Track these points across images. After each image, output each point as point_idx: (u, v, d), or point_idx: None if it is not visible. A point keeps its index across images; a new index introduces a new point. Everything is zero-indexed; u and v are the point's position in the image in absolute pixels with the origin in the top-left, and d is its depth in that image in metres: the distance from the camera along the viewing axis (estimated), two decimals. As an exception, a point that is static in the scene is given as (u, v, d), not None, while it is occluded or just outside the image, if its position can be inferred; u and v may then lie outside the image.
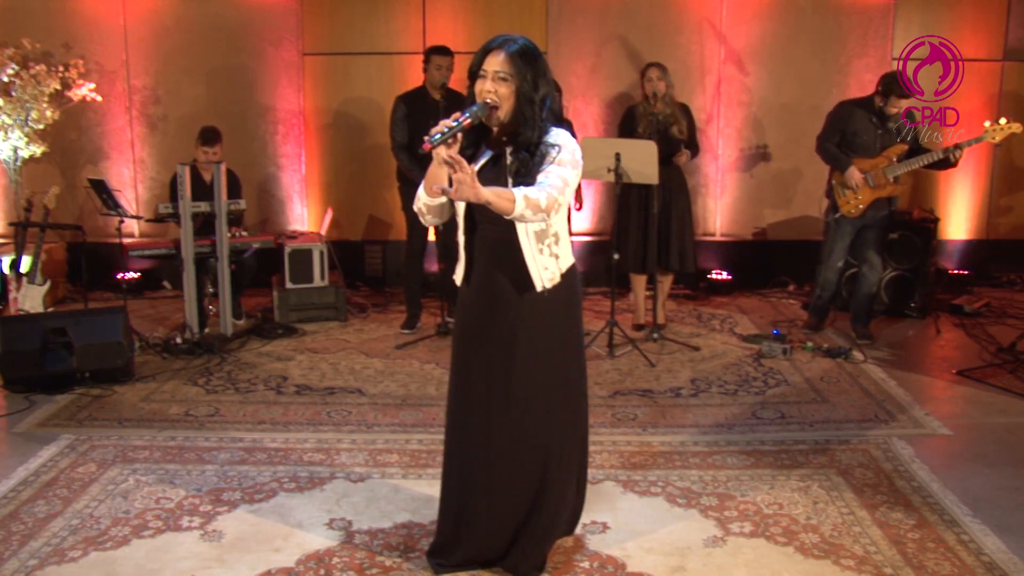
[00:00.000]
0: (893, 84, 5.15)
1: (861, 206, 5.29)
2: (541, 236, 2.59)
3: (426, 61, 5.56)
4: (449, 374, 2.83)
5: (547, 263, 2.60)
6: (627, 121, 5.61)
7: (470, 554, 2.79)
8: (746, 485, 3.43)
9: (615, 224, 5.67)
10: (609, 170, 5.11)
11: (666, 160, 5.38)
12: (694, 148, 5.60)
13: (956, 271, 7.01)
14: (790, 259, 6.91)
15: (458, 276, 2.75)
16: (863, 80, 6.83)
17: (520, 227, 2.56)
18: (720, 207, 7.10)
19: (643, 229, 5.51)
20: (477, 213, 2.62)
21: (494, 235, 2.61)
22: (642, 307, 5.80)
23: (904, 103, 5.19)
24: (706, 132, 6.96)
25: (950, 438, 3.96)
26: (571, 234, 6.68)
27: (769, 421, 4.15)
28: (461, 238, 2.69)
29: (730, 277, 6.98)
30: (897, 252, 6.10)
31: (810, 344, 5.32)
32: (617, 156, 5.07)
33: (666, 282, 5.74)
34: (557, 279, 2.62)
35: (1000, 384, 4.64)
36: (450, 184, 2.43)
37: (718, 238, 7.14)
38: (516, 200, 2.38)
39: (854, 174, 5.21)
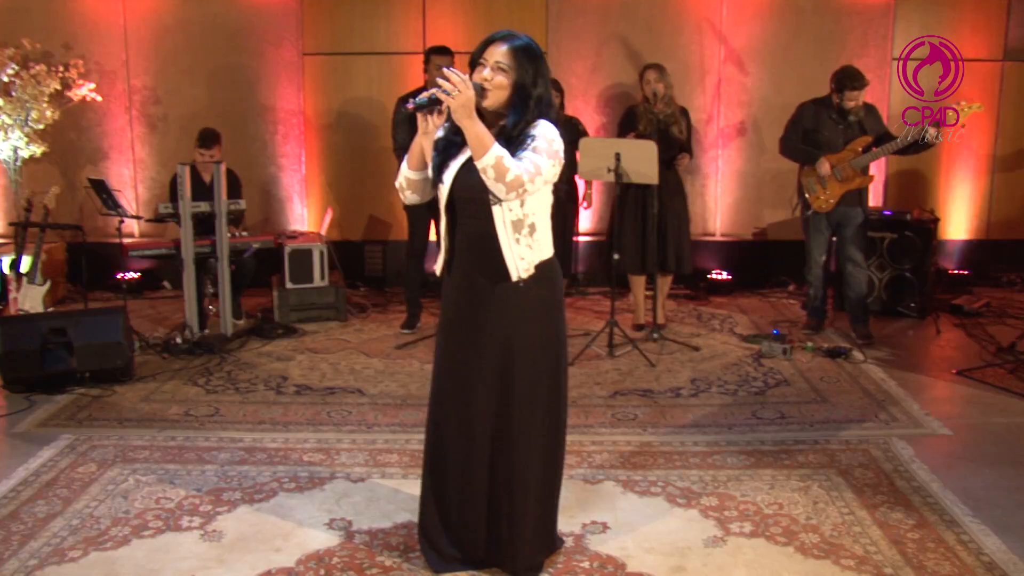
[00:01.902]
0: (844, 79, 5.27)
1: (831, 200, 5.36)
2: (517, 226, 2.59)
3: (426, 61, 5.56)
4: (432, 366, 2.84)
5: (523, 253, 2.60)
6: (627, 120, 5.62)
7: (455, 548, 2.80)
8: (746, 485, 3.43)
9: (612, 224, 5.67)
10: (609, 170, 5.11)
11: (668, 163, 5.38)
12: (689, 152, 5.61)
13: (956, 271, 7.02)
14: (790, 259, 6.90)
15: (438, 267, 2.78)
16: (863, 80, 6.83)
17: (497, 218, 2.57)
18: (720, 207, 7.11)
19: (641, 230, 5.51)
20: (458, 206, 2.65)
21: (473, 227, 2.63)
22: (642, 307, 5.80)
23: (859, 95, 5.27)
24: (706, 132, 6.97)
25: (950, 438, 3.96)
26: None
27: (769, 421, 4.15)
28: (443, 229, 2.72)
29: (730, 277, 6.99)
30: (897, 252, 6.11)
31: (810, 344, 5.32)
32: (617, 156, 5.07)
33: (665, 282, 5.74)
34: (532, 270, 2.62)
35: (1000, 384, 4.64)
36: (444, 150, 2.60)
37: (718, 238, 7.14)
38: (491, 151, 2.43)
39: (824, 163, 5.31)
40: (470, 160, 2.56)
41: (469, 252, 2.66)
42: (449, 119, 2.56)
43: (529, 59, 2.55)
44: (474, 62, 2.60)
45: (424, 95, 2.50)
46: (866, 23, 6.82)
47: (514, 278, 2.60)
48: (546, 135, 2.55)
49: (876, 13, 6.82)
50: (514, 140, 2.54)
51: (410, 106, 2.51)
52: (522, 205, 2.57)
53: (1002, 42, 6.87)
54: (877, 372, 4.88)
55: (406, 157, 2.67)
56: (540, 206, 2.63)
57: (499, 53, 2.54)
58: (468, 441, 2.72)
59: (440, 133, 2.66)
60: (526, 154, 2.51)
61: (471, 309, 2.68)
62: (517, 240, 2.59)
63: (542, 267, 2.65)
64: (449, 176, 2.62)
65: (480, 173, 2.47)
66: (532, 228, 2.61)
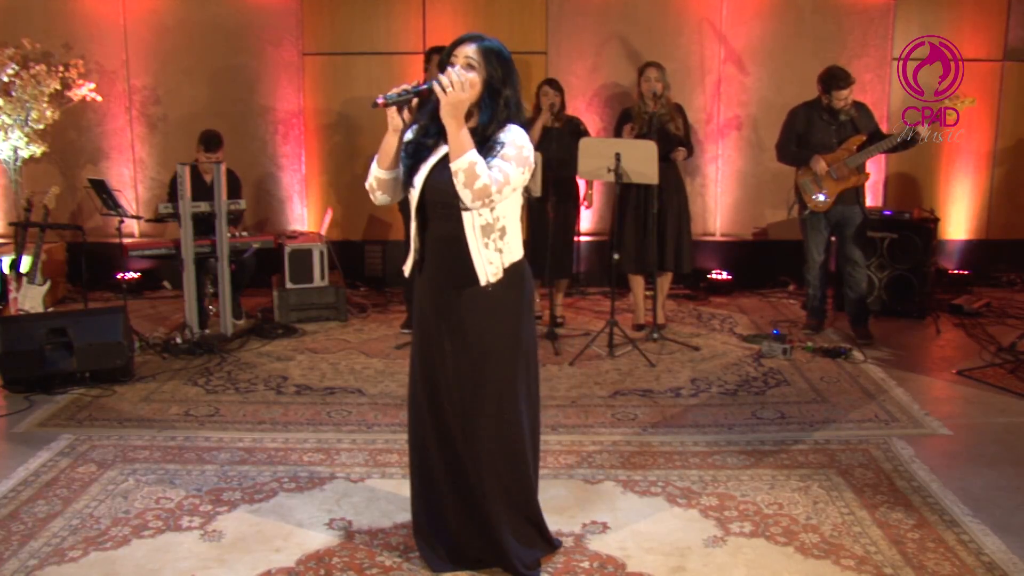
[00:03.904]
0: (830, 79, 5.31)
1: (828, 199, 5.37)
2: (487, 230, 2.60)
3: (427, 61, 5.56)
4: (408, 368, 2.85)
5: (492, 257, 2.61)
6: (623, 120, 5.62)
7: (449, 548, 2.80)
8: (746, 485, 3.43)
9: (612, 224, 5.67)
10: (609, 170, 5.11)
11: (664, 156, 5.38)
12: (689, 148, 5.61)
13: (956, 271, 7.02)
14: (790, 259, 6.90)
15: (406, 268, 2.78)
16: (863, 80, 6.82)
17: (467, 222, 2.58)
18: (720, 207, 7.11)
19: (640, 229, 5.51)
20: (428, 208, 2.66)
21: (443, 230, 2.64)
22: (641, 307, 5.80)
23: (846, 94, 5.29)
24: (706, 132, 6.97)
25: (950, 438, 3.96)
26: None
27: (769, 421, 4.15)
28: (413, 232, 2.72)
29: (730, 277, 6.99)
30: (897, 252, 6.11)
31: (810, 344, 5.32)
32: (617, 156, 5.07)
33: (664, 281, 5.74)
34: (500, 274, 2.62)
35: (1000, 384, 4.64)
36: (423, 147, 2.62)
37: (718, 238, 7.14)
38: (467, 157, 2.44)
39: (819, 161, 5.34)
40: (440, 162, 2.58)
41: (439, 255, 2.67)
42: (416, 120, 2.58)
43: (499, 59, 2.57)
44: (443, 63, 2.60)
45: (395, 90, 2.50)
46: (866, 23, 6.82)
47: (483, 282, 2.61)
48: (516, 141, 2.57)
49: (876, 13, 6.82)
50: (484, 144, 2.56)
51: (380, 101, 2.51)
52: (492, 210, 2.59)
53: (1002, 42, 6.87)
54: (877, 372, 4.88)
55: (376, 158, 2.67)
56: (510, 209, 2.64)
57: (469, 51, 2.57)
58: (443, 444, 2.74)
59: (409, 135, 2.67)
60: (495, 162, 2.52)
61: (440, 311, 2.69)
62: (487, 245, 2.60)
63: (510, 270, 2.65)
64: (420, 179, 2.63)
65: (452, 175, 2.47)
66: (503, 232, 2.62)
